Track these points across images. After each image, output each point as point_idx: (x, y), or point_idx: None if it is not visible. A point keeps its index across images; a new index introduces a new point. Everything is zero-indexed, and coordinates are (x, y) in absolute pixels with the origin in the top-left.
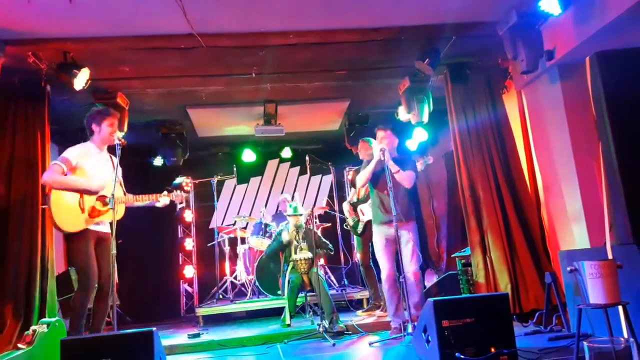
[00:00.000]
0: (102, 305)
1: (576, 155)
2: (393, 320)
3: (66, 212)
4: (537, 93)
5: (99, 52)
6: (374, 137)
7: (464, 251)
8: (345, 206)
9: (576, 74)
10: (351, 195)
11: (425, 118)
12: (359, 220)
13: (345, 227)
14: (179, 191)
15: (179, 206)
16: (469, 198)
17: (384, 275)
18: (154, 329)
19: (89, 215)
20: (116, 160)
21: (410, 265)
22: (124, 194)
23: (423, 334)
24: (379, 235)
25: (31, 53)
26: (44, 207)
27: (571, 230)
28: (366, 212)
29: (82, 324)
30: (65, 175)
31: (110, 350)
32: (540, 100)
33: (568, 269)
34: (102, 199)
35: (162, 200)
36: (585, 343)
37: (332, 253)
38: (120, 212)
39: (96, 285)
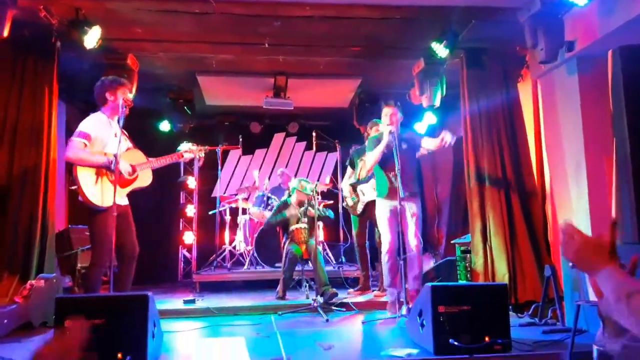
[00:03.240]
0: (127, 272)
1: (587, 149)
2: (389, 292)
3: (95, 187)
4: (553, 84)
5: (112, 11)
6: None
7: (464, 238)
8: (345, 186)
9: (595, 68)
10: (349, 174)
11: (438, 102)
12: (358, 200)
13: (345, 207)
14: (195, 146)
15: (199, 155)
16: (474, 185)
17: (385, 247)
18: (150, 293)
19: (115, 185)
20: (122, 121)
21: (414, 239)
22: (147, 159)
23: (418, 317)
24: (383, 208)
25: (42, 7)
26: (72, 188)
27: (574, 225)
28: (367, 192)
29: None
30: (86, 148)
31: (104, 311)
32: (555, 91)
33: (570, 264)
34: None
35: (187, 156)
36: (595, 347)
37: (332, 219)
38: (148, 178)
39: (109, 260)
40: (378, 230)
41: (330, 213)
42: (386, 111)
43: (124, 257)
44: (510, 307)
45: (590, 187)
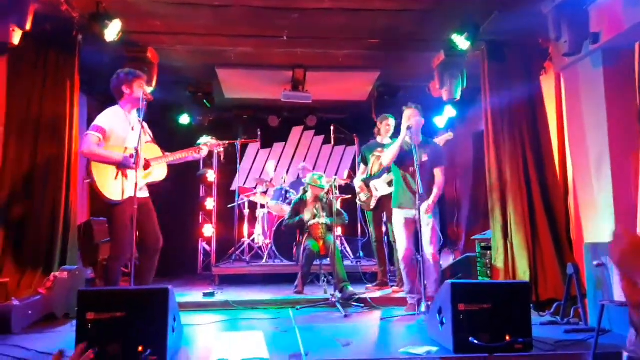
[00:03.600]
0: (149, 264)
1: (612, 145)
2: (409, 297)
3: (111, 182)
4: (577, 77)
5: (131, 4)
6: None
7: (484, 234)
8: (357, 182)
9: (621, 61)
10: (361, 171)
11: (458, 95)
12: (371, 196)
13: (358, 202)
14: (214, 140)
15: (218, 149)
16: (495, 180)
17: (400, 254)
18: (170, 286)
19: (132, 180)
20: (142, 115)
21: (429, 247)
22: (163, 153)
23: (438, 315)
24: (399, 216)
25: (64, 1)
26: (86, 181)
27: (597, 223)
28: (380, 188)
29: None
30: (100, 143)
31: (125, 304)
32: (579, 84)
33: (594, 262)
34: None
35: (203, 151)
36: (625, 353)
37: (347, 223)
38: (163, 172)
39: (130, 254)
40: (392, 226)
41: (345, 217)
42: (407, 113)
43: (147, 250)
44: (532, 305)
45: (614, 183)
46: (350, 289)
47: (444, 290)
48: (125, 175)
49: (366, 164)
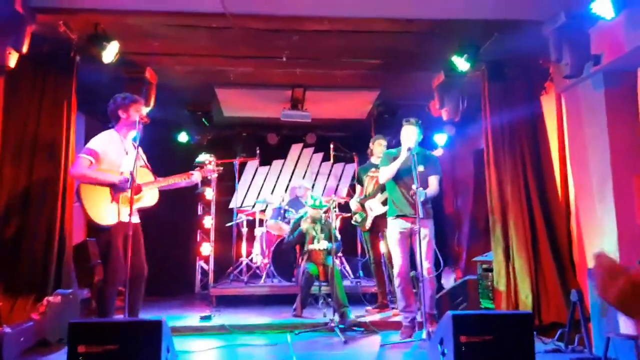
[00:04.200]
0: (137, 292)
1: (614, 167)
2: (403, 315)
3: (99, 205)
4: (578, 98)
5: (130, 26)
6: (399, 132)
7: (485, 256)
8: (353, 204)
9: (622, 83)
10: (358, 192)
11: (458, 116)
12: (367, 217)
13: (354, 223)
14: (209, 165)
15: (211, 176)
16: (496, 202)
17: (396, 270)
18: (163, 317)
19: (123, 205)
20: (138, 138)
21: (425, 262)
22: (154, 177)
23: (439, 345)
24: (394, 229)
25: (62, 22)
26: (75, 204)
27: (601, 245)
28: (374, 207)
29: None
30: (92, 166)
31: (118, 337)
32: (580, 106)
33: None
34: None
35: (195, 177)
36: None
37: (340, 250)
38: (154, 197)
39: (124, 278)
40: (387, 245)
41: (338, 245)
42: (406, 130)
43: (133, 277)
44: (534, 329)
45: (617, 205)
46: (351, 316)
47: (446, 321)
48: (116, 200)
49: (362, 185)
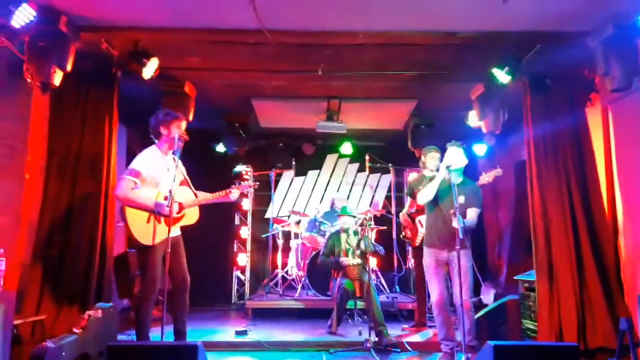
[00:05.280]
0: (180, 301)
1: None
2: (443, 344)
3: (143, 225)
4: (626, 111)
5: (169, 42)
6: (437, 143)
7: (528, 274)
8: (402, 217)
9: None
10: (407, 205)
11: (499, 128)
12: (417, 232)
13: (402, 239)
14: (246, 182)
15: (248, 191)
16: (539, 219)
17: (434, 298)
18: (199, 342)
19: (166, 224)
20: (178, 154)
21: (460, 296)
22: (195, 195)
23: None
24: (430, 257)
25: (104, 40)
26: (119, 224)
27: None
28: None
29: (148, 334)
30: (136, 186)
31: None
32: (629, 119)
33: None
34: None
35: (234, 194)
36: None
37: (383, 254)
38: (195, 215)
39: (157, 293)
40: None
41: (380, 249)
42: (449, 151)
43: (175, 288)
44: (579, 353)
45: None
46: (389, 336)
47: (486, 351)
48: (157, 220)
49: (414, 197)
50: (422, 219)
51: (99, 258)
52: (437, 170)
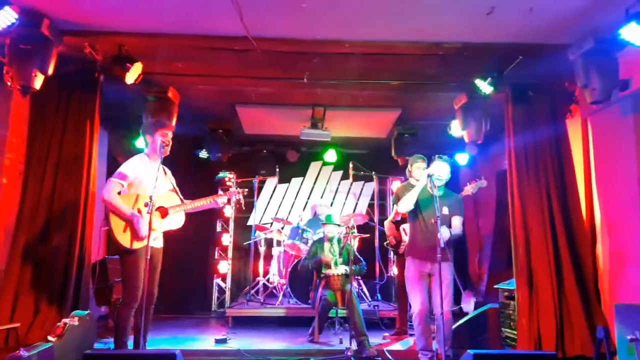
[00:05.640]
0: (146, 316)
1: None
2: (421, 354)
3: (127, 229)
4: (605, 123)
5: (154, 48)
6: (421, 152)
7: (508, 283)
8: (387, 224)
9: None
10: (393, 213)
11: (481, 138)
12: (401, 240)
13: (386, 246)
14: (233, 188)
15: (235, 198)
16: (519, 228)
17: (415, 309)
18: (178, 351)
19: (150, 228)
20: (160, 162)
21: (444, 305)
22: (182, 201)
23: None
24: (413, 267)
25: (87, 44)
26: (104, 229)
27: (627, 274)
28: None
29: (127, 341)
30: (123, 190)
31: None
32: (608, 131)
33: (628, 337)
34: (160, 209)
35: (221, 200)
36: None
37: (364, 272)
38: (180, 221)
39: (138, 300)
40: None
41: (363, 266)
42: (438, 164)
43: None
44: None
45: None
46: (371, 347)
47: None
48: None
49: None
50: (406, 227)
51: (77, 264)
52: None
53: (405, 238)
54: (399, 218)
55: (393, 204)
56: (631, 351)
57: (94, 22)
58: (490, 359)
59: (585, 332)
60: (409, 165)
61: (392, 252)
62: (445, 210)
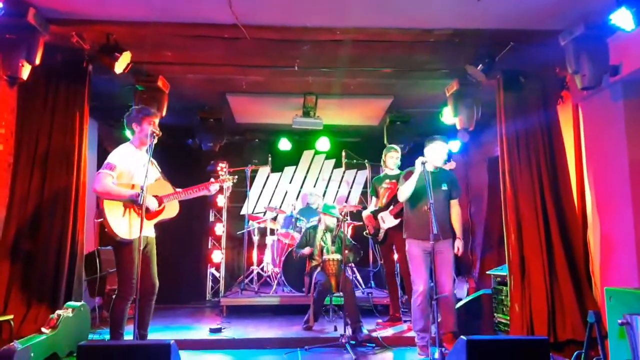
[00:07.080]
0: (147, 307)
1: (633, 179)
2: (419, 336)
3: (120, 219)
4: (595, 108)
5: (143, 36)
6: (413, 139)
7: (500, 269)
8: (365, 215)
9: None
10: (373, 203)
11: (472, 125)
12: (379, 228)
13: (365, 235)
14: (225, 175)
15: (227, 185)
16: (511, 214)
17: (419, 288)
18: (172, 341)
19: (145, 218)
20: (150, 151)
21: (447, 285)
22: (174, 189)
23: None
24: (416, 248)
25: (75, 33)
26: (98, 220)
27: (618, 258)
28: (387, 220)
29: (122, 333)
30: (113, 181)
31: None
32: (598, 116)
33: (618, 321)
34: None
35: (213, 187)
36: None
37: (359, 258)
38: (174, 209)
39: (134, 291)
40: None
41: (358, 253)
42: (437, 145)
43: (144, 293)
44: (549, 345)
45: (636, 217)
46: (365, 331)
47: (459, 346)
48: (137, 213)
49: (378, 196)
50: (384, 215)
51: (69, 256)
52: (398, 168)
53: (383, 225)
54: (377, 208)
55: (371, 195)
56: (622, 335)
57: (81, 11)
58: (483, 345)
59: (576, 316)
60: (383, 156)
61: (372, 242)
62: (444, 187)
